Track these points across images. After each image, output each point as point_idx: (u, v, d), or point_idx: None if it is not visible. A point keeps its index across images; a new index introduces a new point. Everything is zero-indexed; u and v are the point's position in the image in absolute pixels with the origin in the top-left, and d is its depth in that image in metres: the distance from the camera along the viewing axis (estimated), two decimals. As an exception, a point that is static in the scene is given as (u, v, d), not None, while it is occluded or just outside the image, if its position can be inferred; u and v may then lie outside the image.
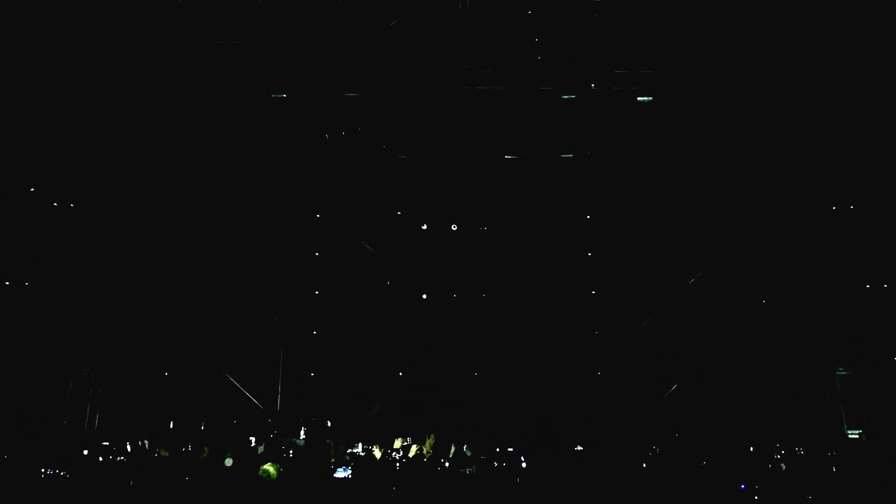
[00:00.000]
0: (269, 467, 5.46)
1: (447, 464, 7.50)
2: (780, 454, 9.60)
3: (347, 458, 8.49)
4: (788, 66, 10.90)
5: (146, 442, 8.32)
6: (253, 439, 11.11)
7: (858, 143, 11.82)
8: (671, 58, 11.18)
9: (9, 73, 10.58)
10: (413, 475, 7.10)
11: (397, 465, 7.68)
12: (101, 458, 8.66)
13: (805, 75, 10.94)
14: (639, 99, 11.73)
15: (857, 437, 11.11)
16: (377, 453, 7.53)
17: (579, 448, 11.03)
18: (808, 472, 7.55)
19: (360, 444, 11.18)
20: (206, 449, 6.34)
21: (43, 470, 5.95)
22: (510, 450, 9.33)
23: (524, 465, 8.02)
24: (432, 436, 8.08)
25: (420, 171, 13.54)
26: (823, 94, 11.30)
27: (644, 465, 8.51)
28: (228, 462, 6.24)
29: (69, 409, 12.12)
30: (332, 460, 7.91)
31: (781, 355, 12.44)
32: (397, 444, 7.52)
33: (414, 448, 8.79)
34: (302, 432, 12.56)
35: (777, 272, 12.89)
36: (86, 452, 9.33)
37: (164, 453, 8.55)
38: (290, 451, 8.99)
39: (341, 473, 7.07)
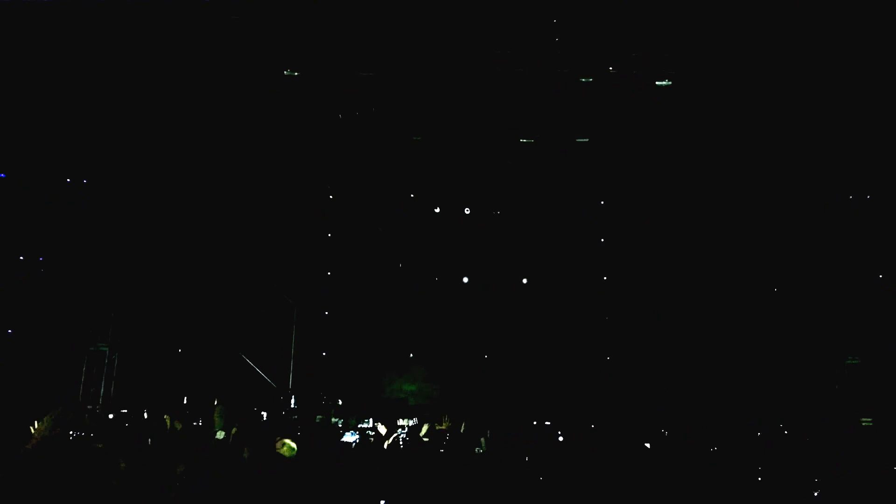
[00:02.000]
0: (286, 446, 5.47)
1: (460, 442, 7.54)
2: (786, 438, 9.57)
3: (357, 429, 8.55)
4: (811, 55, 10.72)
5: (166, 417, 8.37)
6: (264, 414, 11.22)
7: (875, 135, 11.65)
8: (690, 42, 11.00)
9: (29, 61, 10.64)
10: (424, 451, 7.11)
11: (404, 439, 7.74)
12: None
13: (826, 66, 10.76)
14: (657, 83, 11.57)
15: (869, 423, 11.06)
16: (382, 429, 7.56)
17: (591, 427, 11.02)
18: (814, 459, 7.52)
19: (370, 420, 11.28)
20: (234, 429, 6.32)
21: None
22: (519, 429, 9.34)
23: (535, 442, 8.03)
24: (447, 416, 8.10)
25: (434, 154, 13.49)
26: (838, 89, 11.14)
27: (649, 447, 8.51)
28: (220, 435, 6.24)
29: (85, 385, 12.26)
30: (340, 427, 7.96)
31: (789, 344, 12.37)
32: (424, 429, 7.53)
33: (425, 427, 8.82)
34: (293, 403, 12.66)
35: (786, 262, 12.80)
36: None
37: (178, 426, 8.60)
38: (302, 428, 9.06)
39: (349, 437, 7.12)
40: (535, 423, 10.59)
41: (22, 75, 10.87)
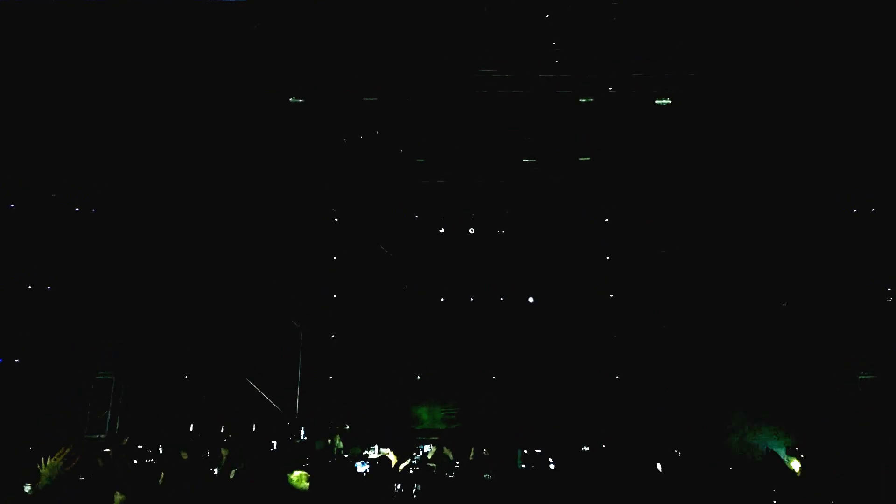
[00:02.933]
0: (299, 479, 5.43)
1: (465, 468, 7.49)
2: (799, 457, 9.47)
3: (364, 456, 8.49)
4: (811, 69, 10.79)
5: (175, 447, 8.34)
6: (274, 443, 11.16)
7: (881, 144, 11.69)
8: (689, 61, 11.10)
9: (31, 69, 10.68)
10: (431, 479, 7.07)
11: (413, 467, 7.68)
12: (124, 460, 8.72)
13: (829, 76, 10.83)
14: (657, 102, 11.66)
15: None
16: (392, 457, 7.51)
17: (590, 448, 10.94)
18: (826, 475, 7.45)
19: (376, 447, 11.21)
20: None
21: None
22: (528, 452, 9.29)
23: (543, 467, 7.98)
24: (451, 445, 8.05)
25: (438, 176, 13.57)
26: (841, 98, 11.19)
27: (659, 466, 8.44)
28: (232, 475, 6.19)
29: (90, 413, 12.21)
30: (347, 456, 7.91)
31: (798, 357, 12.29)
32: (431, 452, 7.50)
33: (432, 450, 8.76)
34: (302, 433, 12.61)
35: (796, 275, 12.77)
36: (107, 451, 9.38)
37: (185, 455, 8.57)
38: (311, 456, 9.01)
39: (361, 468, 7.09)
40: (543, 444, 10.52)
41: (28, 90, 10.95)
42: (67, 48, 10.39)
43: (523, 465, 7.37)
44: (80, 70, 10.72)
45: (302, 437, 12.61)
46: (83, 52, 10.45)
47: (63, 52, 10.46)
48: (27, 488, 4.44)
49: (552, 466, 7.33)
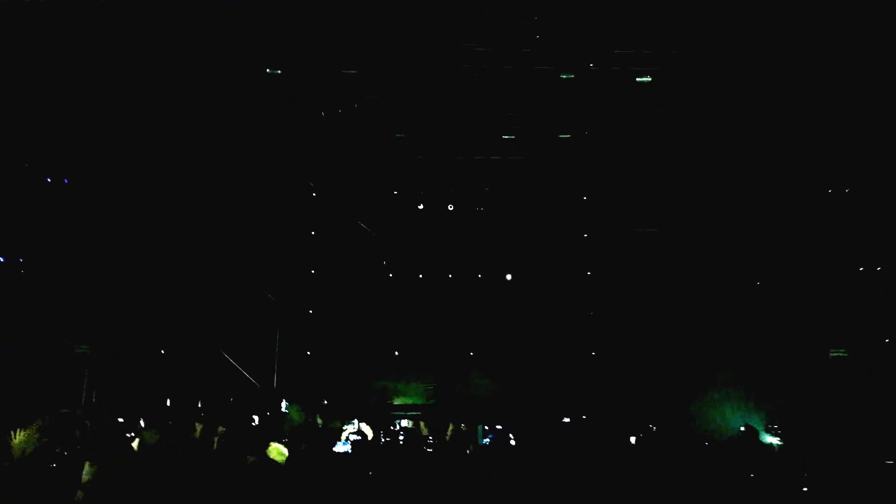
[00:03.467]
0: (276, 451, 5.44)
1: (441, 443, 7.57)
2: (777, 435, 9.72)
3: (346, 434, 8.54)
4: (795, 45, 10.81)
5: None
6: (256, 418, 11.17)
7: (868, 127, 11.76)
8: (671, 38, 11.07)
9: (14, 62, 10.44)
10: (412, 454, 7.13)
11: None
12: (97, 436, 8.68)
13: (816, 55, 10.85)
14: (638, 80, 11.64)
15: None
16: (369, 432, 7.55)
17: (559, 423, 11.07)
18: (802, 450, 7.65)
19: (355, 422, 11.27)
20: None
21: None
22: (500, 427, 9.39)
23: (517, 442, 8.08)
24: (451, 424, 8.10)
25: (417, 151, 13.49)
26: (825, 75, 11.25)
27: (636, 442, 8.60)
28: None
29: (64, 388, 12.10)
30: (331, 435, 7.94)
31: (773, 335, 12.51)
32: (424, 429, 7.53)
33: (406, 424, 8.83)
34: (283, 406, 12.64)
35: (775, 255, 12.94)
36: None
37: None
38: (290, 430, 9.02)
39: (341, 447, 7.13)
40: (522, 421, 10.67)
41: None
42: (32, 19, 10.10)
43: (485, 441, 7.45)
44: (43, 34, 10.40)
45: (282, 411, 12.65)
46: (47, 19, 10.13)
47: (28, 23, 10.16)
48: None
49: (513, 443, 7.43)
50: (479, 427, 7.22)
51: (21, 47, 10.38)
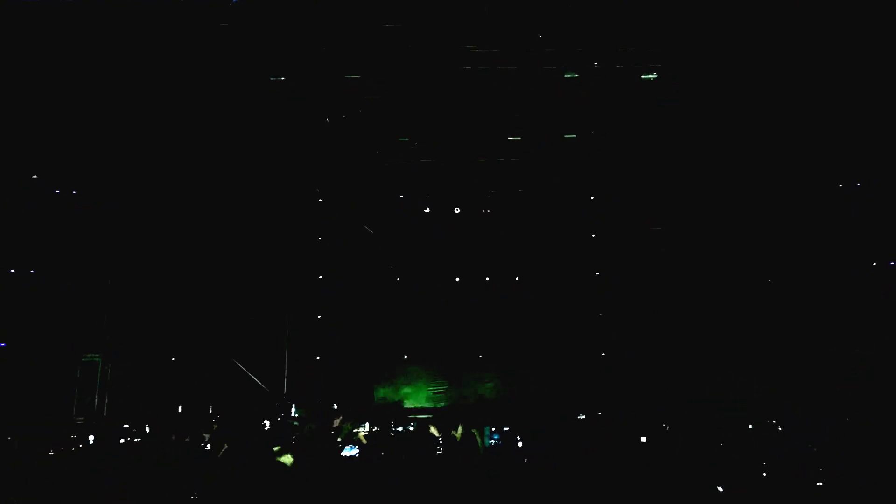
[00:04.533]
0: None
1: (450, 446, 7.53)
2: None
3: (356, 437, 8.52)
4: (799, 41, 10.70)
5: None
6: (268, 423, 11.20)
7: (876, 121, 11.63)
8: (675, 34, 11.00)
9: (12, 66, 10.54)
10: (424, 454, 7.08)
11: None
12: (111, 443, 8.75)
13: (818, 47, 10.74)
14: (643, 77, 11.57)
15: None
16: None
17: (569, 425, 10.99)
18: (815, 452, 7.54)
19: (367, 425, 11.25)
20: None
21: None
22: (507, 429, 9.32)
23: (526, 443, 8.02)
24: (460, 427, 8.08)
25: (422, 155, 13.48)
26: (831, 68, 11.13)
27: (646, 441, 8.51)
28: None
29: (77, 396, 12.18)
30: (340, 439, 7.94)
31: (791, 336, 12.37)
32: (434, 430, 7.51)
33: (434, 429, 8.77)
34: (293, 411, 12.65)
35: (785, 252, 12.81)
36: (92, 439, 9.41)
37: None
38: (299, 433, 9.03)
39: (349, 452, 7.13)
40: (532, 421, 10.61)
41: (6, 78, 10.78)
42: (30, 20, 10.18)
43: (491, 442, 7.40)
44: (47, 42, 10.49)
45: (292, 415, 12.68)
46: (49, 24, 10.22)
47: (30, 43, 10.27)
48: None
49: (520, 444, 7.38)
50: (486, 428, 7.18)
51: (37, 52, 10.49)
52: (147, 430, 10.23)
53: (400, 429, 9.56)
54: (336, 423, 7.80)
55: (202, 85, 11.41)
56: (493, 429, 7.65)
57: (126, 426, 10.47)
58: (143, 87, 11.25)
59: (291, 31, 10.65)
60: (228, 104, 11.78)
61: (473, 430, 7.48)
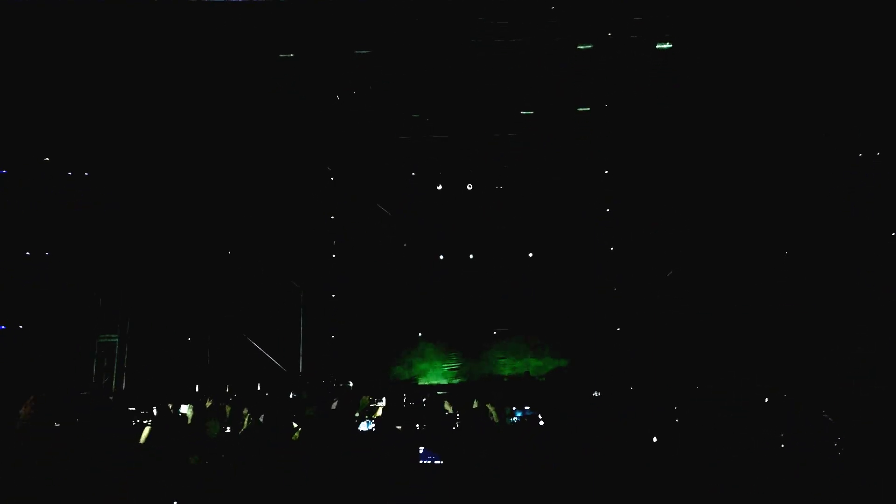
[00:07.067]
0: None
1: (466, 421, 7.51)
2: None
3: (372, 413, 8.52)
4: (815, 10, 10.38)
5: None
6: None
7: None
8: (690, 1, 10.71)
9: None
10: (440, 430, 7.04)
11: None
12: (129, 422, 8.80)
13: (832, 17, 10.42)
14: (658, 46, 11.30)
15: None
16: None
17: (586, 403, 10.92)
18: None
19: (383, 400, 11.26)
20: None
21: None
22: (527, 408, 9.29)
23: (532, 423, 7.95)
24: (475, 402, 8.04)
25: (434, 131, 13.33)
26: (844, 40, 10.79)
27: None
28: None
29: (95, 375, 12.31)
30: (357, 414, 7.94)
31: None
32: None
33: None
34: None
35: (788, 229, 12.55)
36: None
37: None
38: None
39: (365, 426, 7.12)
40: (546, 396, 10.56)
41: (20, 71, 10.80)
42: (44, 33, 10.19)
43: (513, 420, 7.34)
44: (61, 45, 10.47)
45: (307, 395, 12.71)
46: (62, 33, 10.20)
47: (40, 37, 10.25)
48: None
49: (541, 423, 7.34)
50: (507, 409, 7.16)
51: (43, 41, 10.48)
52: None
53: (413, 404, 9.55)
54: (334, 406, 7.80)
55: (213, 63, 11.32)
56: (514, 407, 7.60)
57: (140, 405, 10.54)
58: (153, 68, 11.19)
59: (300, 7, 10.50)
60: (238, 82, 11.69)
61: (489, 406, 7.44)
